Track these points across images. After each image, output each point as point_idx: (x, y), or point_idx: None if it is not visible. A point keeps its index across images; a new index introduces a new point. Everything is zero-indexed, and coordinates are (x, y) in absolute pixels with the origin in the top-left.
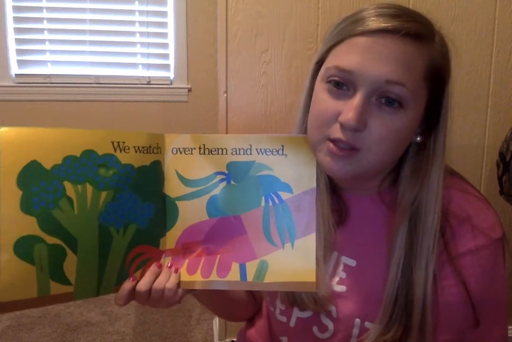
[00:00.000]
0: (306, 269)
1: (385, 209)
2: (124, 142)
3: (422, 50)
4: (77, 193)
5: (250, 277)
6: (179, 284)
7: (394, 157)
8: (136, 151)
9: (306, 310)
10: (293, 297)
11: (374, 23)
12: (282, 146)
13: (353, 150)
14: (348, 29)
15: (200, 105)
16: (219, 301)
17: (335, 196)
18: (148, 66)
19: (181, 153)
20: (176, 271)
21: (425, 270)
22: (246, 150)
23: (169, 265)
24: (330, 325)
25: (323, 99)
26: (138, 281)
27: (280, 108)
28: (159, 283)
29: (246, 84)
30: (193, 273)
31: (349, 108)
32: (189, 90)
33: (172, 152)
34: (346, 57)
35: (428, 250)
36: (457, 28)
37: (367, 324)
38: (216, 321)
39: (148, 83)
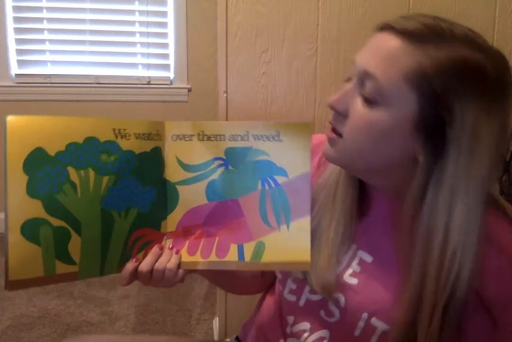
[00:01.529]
0: (301, 249)
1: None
2: (125, 130)
3: (412, 50)
4: (80, 178)
5: (247, 257)
6: (179, 264)
7: (378, 157)
8: (136, 138)
9: (315, 293)
10: (304, 278)
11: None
12: (278, 132)
13: (338, 136)
14: None
15: (200, 105)
16: (224, 279)
17: (362, 190)
18: (148, 66)
19: (180, 140)
20: (177, 252)
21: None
22: (243, 136)
23: (170, 247)
24: (336, 313)
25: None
26: (140, 262)
27: (280, 108)
28: (160, 264)
29: (246, 84)
30: (193, 254)
31: (336, 92)
32: (189, 90)
33: (172, 139)
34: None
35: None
36: None
37: (373, 320)
38: (216, 321)
39: (148, 83)
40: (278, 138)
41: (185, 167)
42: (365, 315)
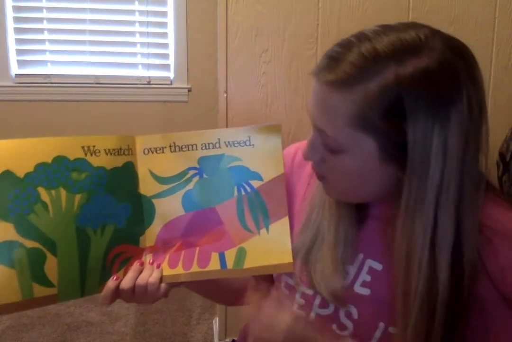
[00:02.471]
0: (282, 251)
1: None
2: (94, 146)
3: (345, 97)
4: (51, 198)
5: (230, 264)
6: (161, 278)
7: (367, 190)
8: (107, 154)
9: (325, 308)
10: (314, 293)
11: (318, 63)
12: (249, 137)
13: (324, 179)
14: None
15: (200, 105)
16: (210, 290)
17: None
18: (148, 66)
19: (152, 153)
20: (158, 266)
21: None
22: (215, 144)
23: (150, 262)
24: (350, 326)
25: None
26: (121, 280)
27: (280, 108)
28: (142, 279)
29: (246, 84)
30: (174, 266)
31: (307, 142)
32: (189, 90)
33: (144, 153)
34: None
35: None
36: (457, 28)
37: (391, 329)
38: (216, 321)
39: (148, 83)
40: (249, 143)
41: (160, 180)
42: (382, 324)
